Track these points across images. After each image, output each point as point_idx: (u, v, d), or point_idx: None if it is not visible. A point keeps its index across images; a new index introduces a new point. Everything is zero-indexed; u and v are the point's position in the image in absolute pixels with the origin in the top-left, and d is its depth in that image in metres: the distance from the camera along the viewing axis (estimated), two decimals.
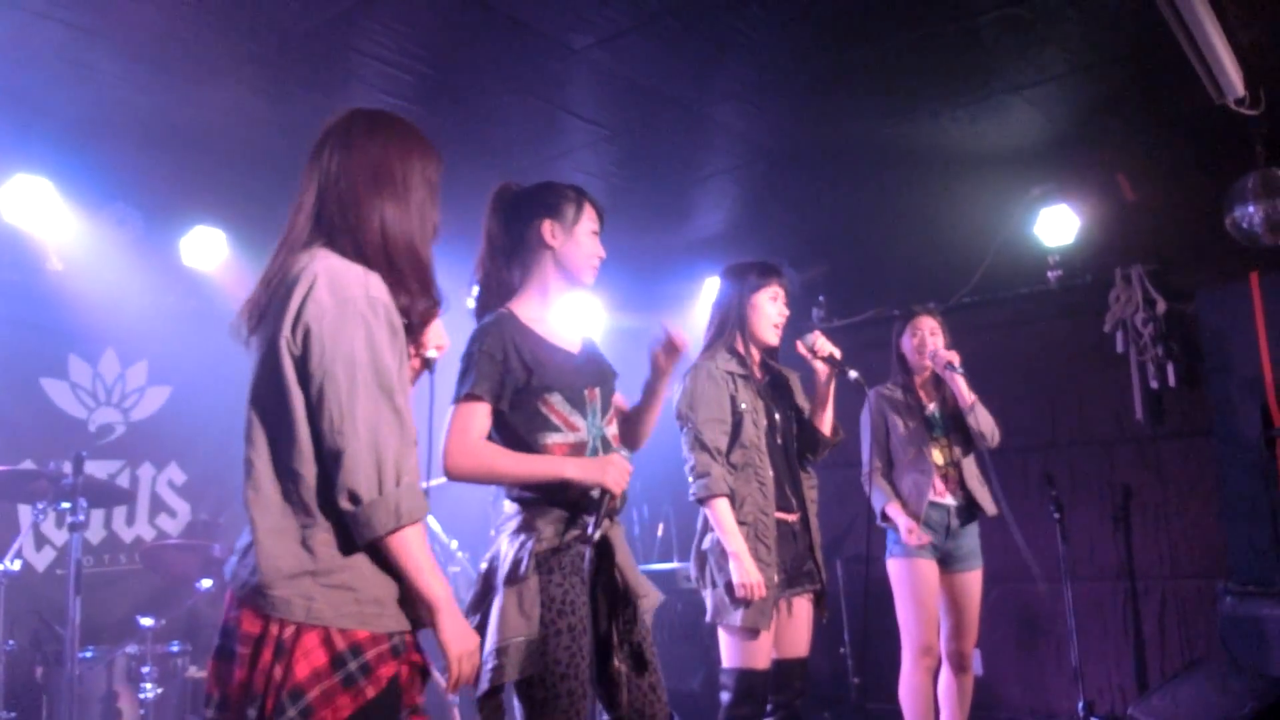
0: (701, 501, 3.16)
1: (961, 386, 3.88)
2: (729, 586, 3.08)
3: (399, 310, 1.82)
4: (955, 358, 3.89)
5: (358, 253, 1.81)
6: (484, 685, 2.27)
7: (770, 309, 3.39)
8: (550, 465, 2.41)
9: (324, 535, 1.69)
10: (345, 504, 1.66)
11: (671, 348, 2.70)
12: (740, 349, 3.36)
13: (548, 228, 2.58)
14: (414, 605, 1.76)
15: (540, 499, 2.43)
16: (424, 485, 1.86)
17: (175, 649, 4.31)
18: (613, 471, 2.42)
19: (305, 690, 1.62)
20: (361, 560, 1.70)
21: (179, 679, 4.34)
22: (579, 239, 2.60)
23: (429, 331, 1.99)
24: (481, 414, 2.41)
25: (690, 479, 3.19)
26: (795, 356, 3.45)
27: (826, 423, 3.41)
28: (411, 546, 1.70)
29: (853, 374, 3.38)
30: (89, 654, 4.17)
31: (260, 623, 1.66)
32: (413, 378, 2.01)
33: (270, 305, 1.78)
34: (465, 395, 2.40)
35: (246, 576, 1.71)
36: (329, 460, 1.68)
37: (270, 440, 1.74)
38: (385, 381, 1.72)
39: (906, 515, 3.84)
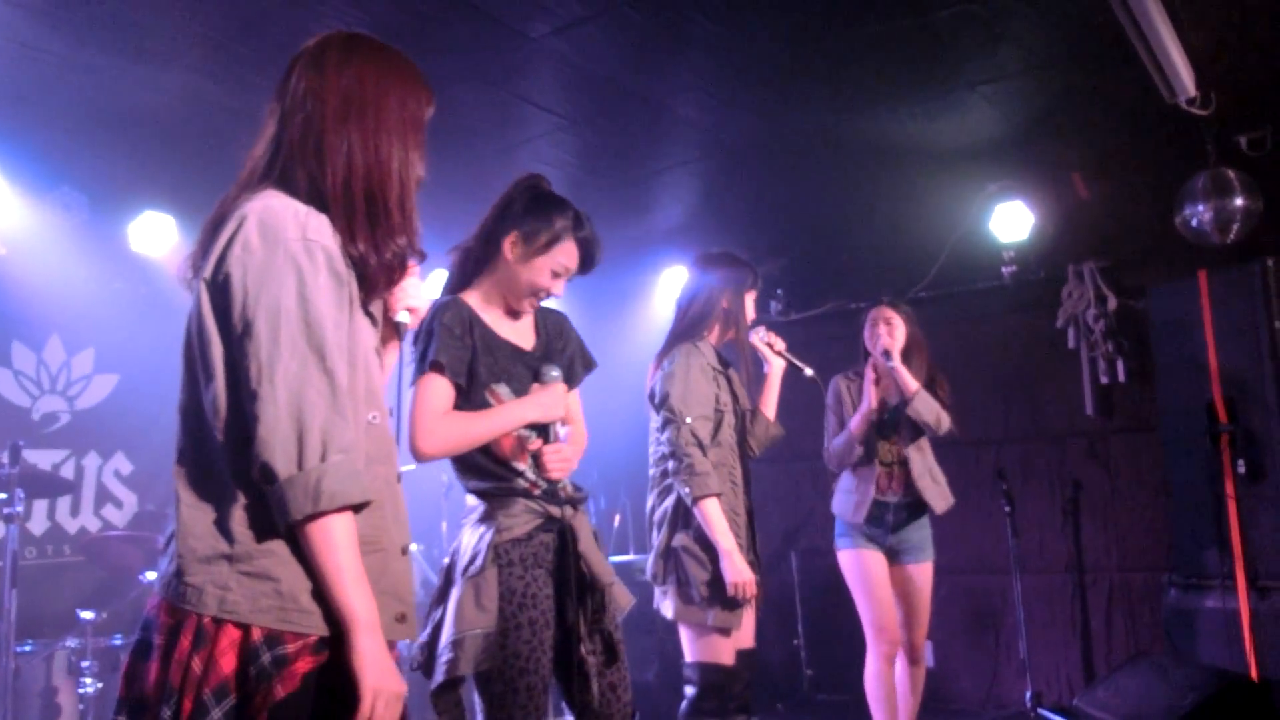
0: (695, 500, 3.06)
1: (903, 376, 3.83)
2: (713, 583, 3.04)
3: (352, 260, 1.57)
4: (892, 345, 3.84)
5: (313, 189, 1.57)
6: (438, 678, 2.25)
7: (752, 308, 3.38)
8: (512, 413, 2.38)
9: (243, 514, 1.45)
10: (259, 480, 1.42)
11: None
12: (716, 341, 3.32)
13: (510, 240, 2.47)
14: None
15: (499, 489, 2.39)
16: (402, 470, 1.69)
17: (118, 642, 4.21)
18: (562, 403, 2.45)
19: (231, 689, 1.40)
20: (284, 546, 1.45)
21: (120, 673, 4.25)
22: (533, 268, 2.47)
23: (397, 291, 1.75)
24: (444, 387, 2.34)
25: (683, 476, 3.07)
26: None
27: (773, 415, 3.43)
28: (334, 540, 1.42)
29: (808, 372, 3.38)
30: (28, 648, 4.08)
31: (177, 612, 1.45)
32: (384, 348, 1.78)
33: (203, 250, 1.56)
34: (429, 366, 2.34)
35: (166, 565, 1.50)
36: (248, 427, 1.44)
37: (193, 402, 1.52)
38: (316, 337, 1.46)
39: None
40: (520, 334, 2.57)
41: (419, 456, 2.34)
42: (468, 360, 2.38)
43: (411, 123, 1.68)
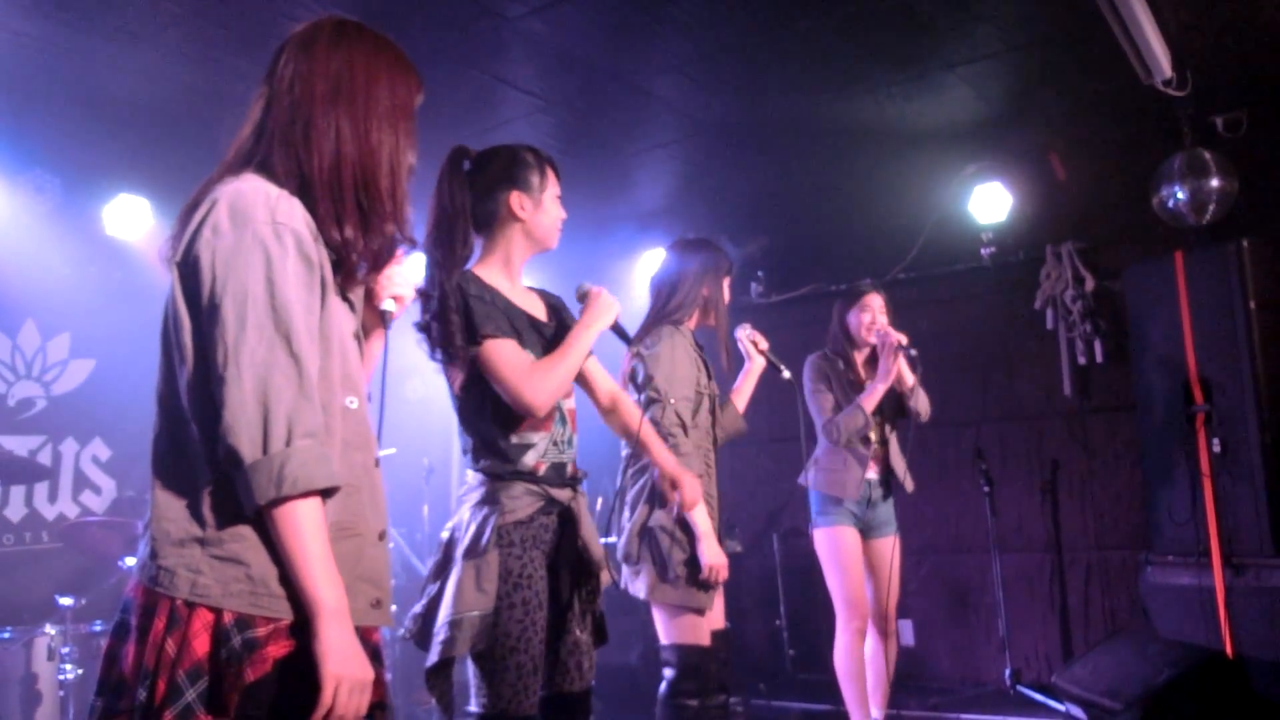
0: None
1: (905, 369, 3.90)
2: (690, 563, 3.04)
3: (334, 247, 1.56)
4: (905, 339, 3.89)
5: (296, 173, 1.55)
6: (433, 658, 2.27)
7: (727, 292, 3.38)
8: (586, 333, 2.48)
9: (214, 498, 1.45)
10: (225, 465, 1.41)
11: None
12: (694, 327, 3.32)
13: (516, 200, 2.48)
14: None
15: (506, 472, 2.39)
16: (380, 455, 1.67)
17: (97, 629, 4.19)
18: (610, 304, 2.55)
19: (205, 671, 1.40)
20: (253, 530, 1.45)
21: (100, 659, 4.23)
22: (546, 207, 2.53)
23: (383, 279, 1.75)
24: (511, 346, 2.37)
25: None
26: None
27: (743, 409, 3.47)
28: (300, 526, 1.41)
29: (786, 374, 3.40)
30: (7, 635, 4.06)
31: (152, 595, 1.45)
32: (368, 336, 1.78)
33: (179, 233, 1.54)
34: (484, 337, 2.34)
35: (142, 548, 1.50)
36: (217, 411, 1.43)
37: (170, 386, 1.52)
38: (284, 321, 1.45)
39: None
40: (532, 305, 2.58)
41: (533, 412, 2.35)
42: (506, 323, 2.41)
43: (401, 110, 1.66)
